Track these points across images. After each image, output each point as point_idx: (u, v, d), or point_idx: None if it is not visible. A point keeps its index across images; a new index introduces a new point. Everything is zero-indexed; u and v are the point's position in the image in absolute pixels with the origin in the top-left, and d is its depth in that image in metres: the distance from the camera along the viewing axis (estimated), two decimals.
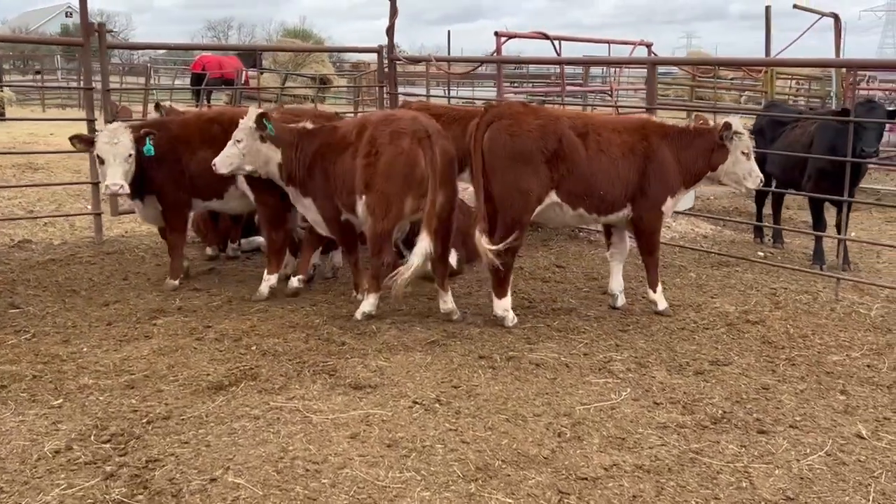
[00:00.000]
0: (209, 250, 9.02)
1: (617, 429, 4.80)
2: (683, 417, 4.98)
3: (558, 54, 11.44)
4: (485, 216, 6.62)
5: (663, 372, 5.74)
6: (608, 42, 12.70)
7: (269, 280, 7.51)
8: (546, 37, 11.37)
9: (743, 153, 6.80)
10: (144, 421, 4.82)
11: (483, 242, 6.59)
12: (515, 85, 34.96)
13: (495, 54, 11.17)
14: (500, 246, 6.36)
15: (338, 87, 32.28)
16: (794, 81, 27.98)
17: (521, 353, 6.03)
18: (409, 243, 7.43)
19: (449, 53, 27.37)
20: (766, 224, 10.49)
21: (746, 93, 26.96)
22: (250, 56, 28.92)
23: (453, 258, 8.30)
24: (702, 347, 6.28)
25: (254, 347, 6.12)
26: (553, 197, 6.59)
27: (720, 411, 5.07)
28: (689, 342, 6.40)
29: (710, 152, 6.84)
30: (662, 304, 7.14)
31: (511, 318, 6.68)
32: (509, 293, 6.73)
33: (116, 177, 7.12)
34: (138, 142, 7.24)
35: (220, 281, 8.13)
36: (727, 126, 6.74)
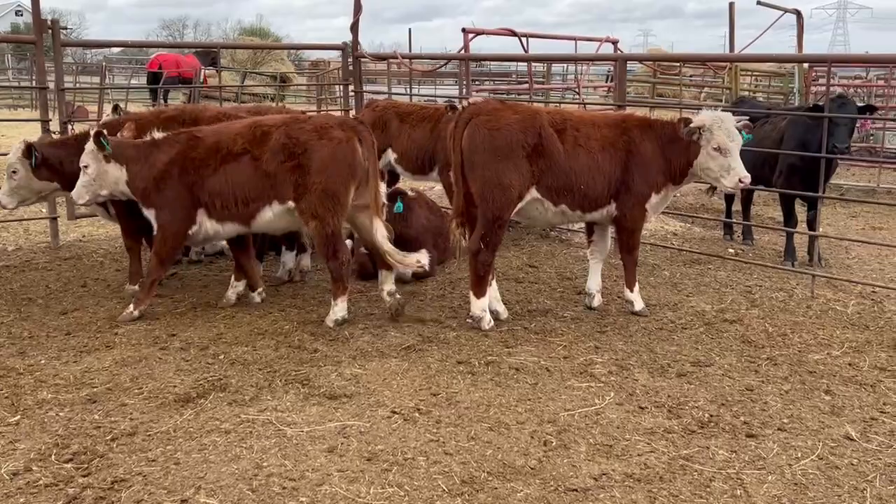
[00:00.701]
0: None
1: (603, 435, 4.65)
2: (670, 422, 4.84)
3: (525, 51, 11.30)
4: (462, 211, 6.46)
5: (645, 374, 5.61)
6: (574, 39, 12.62)
7: (237, 286, 7.25)
8: (513, 33, 11.22)
9: (715, 149, 6.51)
10: (108, 438, 4.56)
11: (457, 232, 6.46)
12: (477, 83, 34.85)
13: (462, 51, 11.00)
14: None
15: (298, 85, 31.89)
16: (752, 78, 28.21)
17: (499, 357, 5.86)
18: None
19: (410, 51, 27.12)
20: (736, 221, 10.45)
21: (705, 89, 27.08)
22: (208, 54, 28.43)
23: (424, 259, 8.14)
24: (682, 348, 6.16)
25: (221, 356, 5.87)
26: (534, 193, 6.44)
27: (707, 415, 4.94)
28: (668, 343, 6.28)
29: (687, 147, 6.69)
30: (639, 304, 7.02)
31: (488, 319, 6.52)
32: (488, 294, 6.56)
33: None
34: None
35: (183, 286, 7.85)
36: (684, 122, 6.55)
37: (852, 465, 4.37)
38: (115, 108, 8.68)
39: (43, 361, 5.76)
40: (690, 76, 30.10)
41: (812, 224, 9.10)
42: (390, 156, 9.78)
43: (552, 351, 6.04)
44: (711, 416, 4.93)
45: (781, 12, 14.49)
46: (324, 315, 6.84)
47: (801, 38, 14.64)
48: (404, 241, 8.08)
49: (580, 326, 6.65)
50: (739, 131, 6.54)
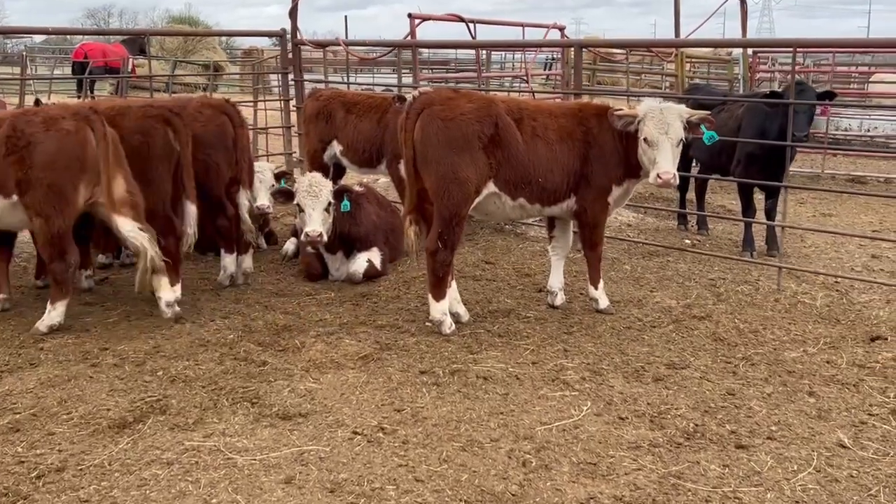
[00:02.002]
0: (101, 258, 8.09)
1: (586, 452, 4.29)
2: (654, 434, 4.51)
3: (473, 37, 10.90)
4: (414, 208, 6.05)
5: (620, 380, 5.28)
6: (522, 25, 12.27)
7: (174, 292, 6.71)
8: (461, 19, 10.80)
9: (644, 140, 6.10)
10: (33, 475, 4.03)
11: (412, 233, 6.04)
12: (408, 71, 34.33)
13: (409, 38, 10.54)
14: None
15: (230, 74, 30.94)
16: (689, 65, 28.27)
17: (464, 365, 5.46)
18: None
19: (346, 38, 26.47)
20: (690, 211, 10.23)
21: (642, 76, 26.99)
22: (135, 43, 27.35)
23: (376, 258, 7.71)
24: (654, 349, 5.85)
25: (160, 373, 5.35)
26: (491, 187, 6.05)
27: (691, 424, 4.62)
28: (639, 343, 5.97)
29: (633, 138, 6.30)
30: (604, 302, 6.70)
31: (449, 323, 6.12)
32: (448, 295, 6.16)
33: None
34: None
35: (115, 293, 7.26)
36: (609, 113, 6.18)
37: (852, 476, 4.09)
38: (37, 102, 8.02)
39: None
40: (629, 63, 30.11)
41: (771, 213, 8.92)
42: (336, 148, 9.29)
43: (519, 356, 5.66)
44: (696, 425, 4.61)
45: None
46: (270, 321, 6.37)
47: (744, 25, 14.54)
48: (353, 240, 7.66)
49: (545, 328, 6.29)
50: (697, 126, 6.18)
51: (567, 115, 6.33)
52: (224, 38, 38.49)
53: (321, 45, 11.65)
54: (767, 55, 18.09)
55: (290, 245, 8.53)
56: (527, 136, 6.06)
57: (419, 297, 7.08)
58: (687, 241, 9.47)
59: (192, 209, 6.77)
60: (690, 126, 6.10)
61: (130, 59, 23.95)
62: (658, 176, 5.94)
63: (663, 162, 5.96)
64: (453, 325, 6.14)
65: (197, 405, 4.85)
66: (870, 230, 10.38)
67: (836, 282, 7.71)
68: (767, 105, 8.54)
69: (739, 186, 9.01)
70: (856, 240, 9.52)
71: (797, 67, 20.83)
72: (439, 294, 6.08)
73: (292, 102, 11.29)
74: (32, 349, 5.81)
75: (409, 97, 8.37)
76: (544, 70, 37.46)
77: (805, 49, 15.35)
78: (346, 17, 32.55)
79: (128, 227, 6.08)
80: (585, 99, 8.10)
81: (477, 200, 6.04)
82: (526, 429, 4.55)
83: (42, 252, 6.44)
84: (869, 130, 17.07)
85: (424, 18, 10.49)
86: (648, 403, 4.90)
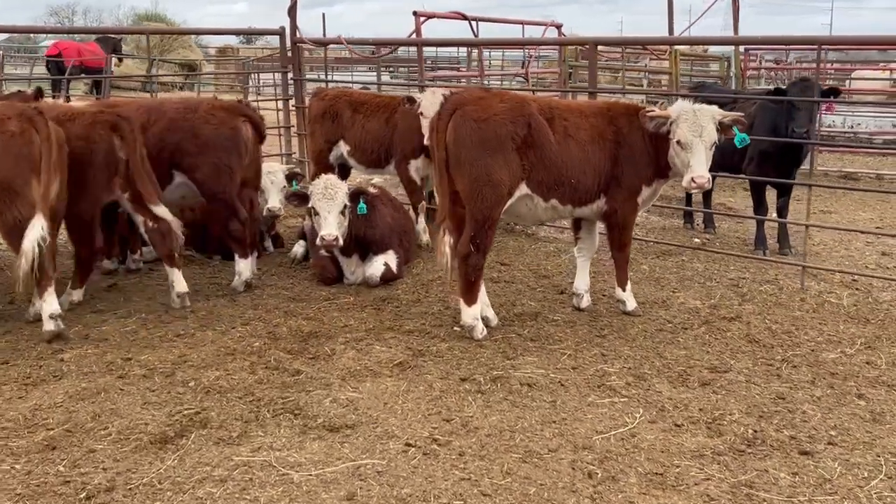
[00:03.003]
0: (107, 263, 7.85)
1: (650, 462, 4.19)
2: (714, 441, 4.42)
3: (475, 35, 10.77)
4: (449, 214, 5.90)
5: (666, 384, 5.19)
6: (522, 23, 12.18)
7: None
8: (464, 17, 10.68)
9: (677, 143, 5.99)
10: (83, 496, 3.85)
11: (446, 242, 5.89)
12: (391, 70, 34.02)
13: (414, 35, 10.38)
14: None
15: (227, 73, 30.47)
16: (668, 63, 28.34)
17: (504, 371, 5.33)
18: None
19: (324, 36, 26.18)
20: (697, 209, 10.19)
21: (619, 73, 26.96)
22: (109, 41, 26.87)
23: (392, 260, 7.55)
24: (691, 352, 5.77)
25: (192, 383, 5.17)
26: (524, 188, 5.92)
27: (749, 430, 4.54)
28: (675, 346, 5.88)
29: (665, 139, 6.23)
30: (632, 304, 6.61)
31: (480, 328, 5.99)
32: (479, 300, 6.03)
33: None
34: None
35: (125, 300, 7.04)
36: (642, 115, 6.06)
37: None
38: (39, 91, 7.80)
39: None
40: (606, 61, 30.15)
41: (783, 211, 8.90)
42: (342, 148, 9.14)
43: (558, 361, 5.55)
44: (755, 431, 4.53)
45: None
46: (294, 327, 6.21)
47: (736, 20, 14.57)
48: (369, 243, 7.51)
49: (577, 331, 6.19)
50: (730, 127, 6.11)
51: (597, 114, 6.22)
52: (196, 37, 37.71)
53: (322, 43, 11.45)
54: (756, 53, 18.13)
55: (298, 248, 8.36)
56: (559, 136, 5.94)
57: (440, 300, 6.95)
58: (696, 240, 9.42)
59: (160, 211, 6.56)
60: (723, 128, 6.01)
61: (112, 59, 23.40)
62: (692, 180, 5.86)
63: (697, 166, 5.87)
64: (485, 330, 6.01)
65: (238, 417, 4.68)
66: (873, 227, 10.39)
67: (854, 280, 7.70)
68: (774, 102, 8.50)
69: (752, 184, 8.97)
70: (861, 237, 9.51)
71: (780, 63, 20.87)
72: (471, 299, 5.95)
73: (291, 102, 11.07)
74: (53, 360, 5.59)
75: (418, 98, 8.33)
76: (522, 68, 37.48)
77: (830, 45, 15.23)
78: (323, 14, 32.08)
79: (35, 229, 5.79)
80: (580, 97, 8.03)
81: (509, 202, 5.91)
82: (583, 438, 4.44)
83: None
84: (853, 127, 17.21)
85: (429, 16, 10.35)
86: (700, 409, 4.81)
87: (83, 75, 24.42)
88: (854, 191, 12.42)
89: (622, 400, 4.93)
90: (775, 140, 8.18)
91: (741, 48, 14.98)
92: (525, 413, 4.74)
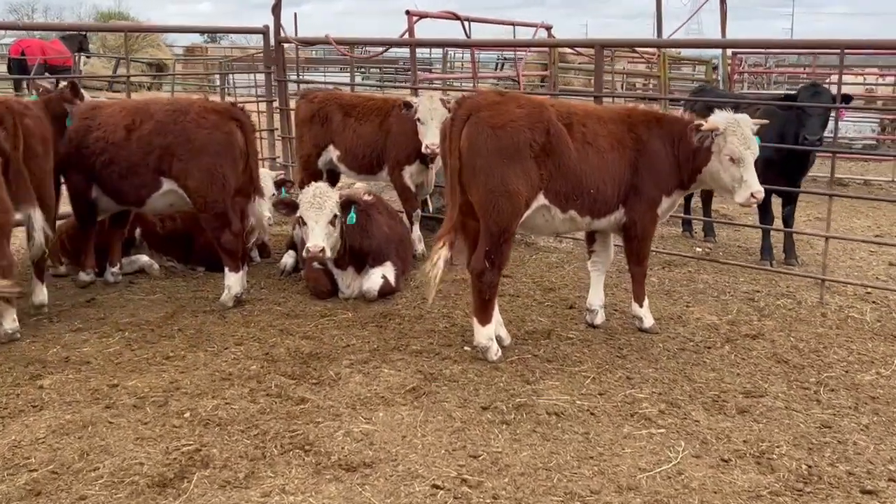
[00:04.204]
0: (83, 275, 7.32)
1: None
2: (767, 478, 4.07)
3: (468, 36, 10.39)
4: (454, 226, 5.49)
5: (702, 412, 4.83)
6: (513, 24, 11.83)
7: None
8: (456, 17, 10.29)
9: (730, 159, 5.74)
10: None
11: (442, 255, 5.44)
12: (362, 72, 33.43)
13: (406, 35, 9.96)
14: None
15: (208, 74, 29.76)
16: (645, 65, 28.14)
17: (528, 398, 4.94)
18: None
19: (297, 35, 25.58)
20: (697, 217, 9.90)
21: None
22: (74, 39, 26.10)
23: (390, 273, 7.14)
24: (720, 374, 5.43)
25: (187, 414, 4.72)
26: (541, 199, 5.54)
27: (802, 465, 4.19)
28: (702, 367, 5.54)
29: (697, 150, 5.95)
30: (649, 321, 6.26)
31: (495, 349, 5.59)
32: (494, 320, 5.63)
33: None
34: None
35: (105, 315, 6.55)
36: (695, 126, 5.80)
37: None
38: (73, 87, 7.33)
39: None
40: (579, 63, 29.90)
41: (788, 220, 8.63)
42: (332, 153, 8.71)
43: (582, 386, 5.17)
44: (808, 466, 4.18)
45: None
46: (293, 348, 5.78)
47: (724, 23, 14.32)
48: (365, 255, 7.09)
49: (595, 351, 5.82)
50: (756, 135, 5.85)
51: (616, 120, 5.87)
52: (162, 36, 36.68)
53: (308, 42, 10.98)
54: (741, 56, 17.96)
55: (287, 259, 7.90)
56: (578, 143, 5.57)
57: (445, 316, 6.56)
58: (698, 249, 9.13)
59: (37, 215, 6.05)
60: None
61: (81, 57, 22.64)
62: (752, 196, 5.64)
63: (753, 181, 5.64)
64: (500, 351, 5.62)
65: (243, 455, 4.24)
66: (871, 235, 10.18)
67: (868, 292, 7.43)
68: (780, 108, 8.22)
69: None
70: (864, 246, 9.28)
71: (753, 68, 20.71)
72: (485, 318, 5.55)
73: (274, 103, 10.59)
74: (30, 387, 5.10)
75: (414, 103, 7.92)
76: (496, 70, 37.10)
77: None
78: (295, 14, 31.41)
79: None
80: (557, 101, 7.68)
81: (526, 214, 5.52)
82: (626, 477, 4.06)
83: None
84: (832, 132, 17.04)
85: (422, 16, 9.94)
86: (744, 441, 4.46)
87: (47, 74, 23.62)
88: (873, 199, 12.16)
89: (659, 431, 4.56)
90: (790, 148, 7.89)
91: (728, 52, 14.73)
92: (558, 447, 4.35)
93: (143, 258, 7.74)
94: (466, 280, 7.35)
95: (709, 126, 5.69)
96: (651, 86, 20.57)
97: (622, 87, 23.13)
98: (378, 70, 34.90)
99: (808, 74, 24.91)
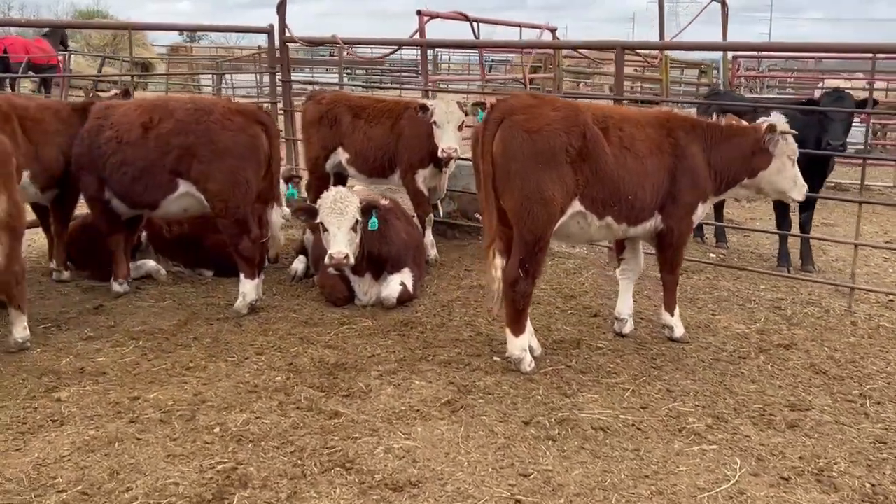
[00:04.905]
0: (116, 286, 7.00)
1: None
2: (831, 498, 3.93)
3: (476, 37, 10.23)
4: (499, 235, 5.32)
5: (750, 426, 4.68)
6: (520, 25, 11.68)
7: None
8: (466, 18, 10.12)
9: (789, 158, 5.91)
10: None
11: (498, 265, 5.30)
12: (348, 72, 33.16)
13: (417, 35, 9.77)
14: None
15: (205, 73, 29.34)
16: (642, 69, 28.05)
17: (570, 412, 4.77)
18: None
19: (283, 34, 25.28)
20: (709, 222, 9.76)
21: (592, 77, 26.50)
22: (56, 35, 25.65)
23: (408, 279, 6.95)
24: (761, 385, 5.29)
25: (217, 430, 4.51)
26: (577, 205, 5.37)
27: (865, 484, 4.06)
28: (740, 379, 5.40)
29: (750, 155, 5.89)
30: (680, 330, 6.11)
31: (528, 360, 5.42)
32: (527, 330, 5.46)
33: None
34: None
35: (116, 323, 6.31)
36: (771, 128, 5.81)
37: None
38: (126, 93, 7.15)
39: None
40: (567, 65, 29.76)
41: (805, 226, 8.54)
42: (341, 155, 8.50)
43: (622, 399, 5.01)
44: (871, 485, 4.05)
45: (708, 1, 14.07)
46: (317, 357, 5.58)
47: (725, 28, 14.27)
48: (383, 261, 6.90)
49: (628, 361, 5.66)
50: None
51: (653, 124, 5.73)
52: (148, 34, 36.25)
53: (315, 42, 10.77)
54: (739, 60, 17.91)
55: (298, 264, 7.69)
56: (615, 147, 5.41)
57: (468, 324, 6.39)
58: (711, 255, 9.01)
59: None
60: None
61: (71, 57, 22.20)
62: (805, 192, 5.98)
63: (801, 178, 5.93)
64: (533, 363, 5.44)
65: (282, 473, 4.04)
66: (882, 241, 10.12)
67: (891, 300, 7.33)
68: (801, 112, 8.12)
69: (773, 200, 8.55)
70: (878, 253, 9.21)
71: (746, 72, 20.70)
72: (519, 329, 5.38)
73: (279, 104, 10.37)
74: (47, 400, 4.87)
75: (430, 106, 7.73)
76: (488, 72, 36.90)
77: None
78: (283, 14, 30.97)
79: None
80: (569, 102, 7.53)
81: (560, 221, 5.35)
82: (686, 497, 3.90)
83: None
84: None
85: (433, 16, 9.76)
86: (800, 457, 4.32)
87: (31, 73, 23.19)
88: None
89: (711, 447, 4.41)
90: (813, 153, 7.78)
91: (730, 55, 14.67)
92: (610, 465, 4.19)
93: (150, 263, 7.50)
94: (485, 288, 7.25)
95: (782, 128, 5.72)
96: (640, 89, 20.49)
97: (608, 90, 23.02)
98: (364, 71, 34.64)
99: (793, 79, 25.12)
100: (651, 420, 4.72)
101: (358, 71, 33.81)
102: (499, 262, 5.28)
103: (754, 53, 19.61)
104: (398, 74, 33.49)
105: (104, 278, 7.14)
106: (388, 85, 23.87)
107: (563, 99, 5.71)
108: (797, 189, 5.98)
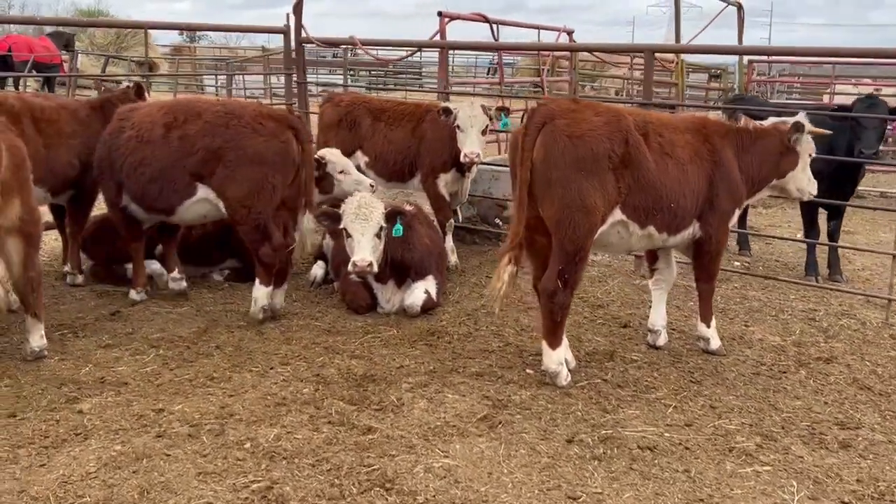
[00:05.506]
0: (134, 294, 6.81)
1: None
2: None
3: (495, 39, 10.06)
4: (521, 243, 5.13)
5: (801, 446, 4.50)
6: (538, 28, 11.52)
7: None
8: (486, 19, 9.96)
9: (809, 156, 5.88)
10: None
11: (508, 270, 5.09)
12: (351, 74, 32.94)
13: (438, 37, 9.60)
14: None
15: (218, 74, 29.14)
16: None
17: (613, 430, 4.59)
18: None
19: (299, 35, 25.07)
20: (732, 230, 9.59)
21: (599, 80, 26.29)
22: (62, 37, 25.47)
23: (432, 287, 6.77)
24: (806, 402, 5.11)
25: (248, 445, 4.33)
26: (618, 214, 5.19)
27: None
28: (783, 394, 5.22)
29: (778, 157, 5.76)
30: (716, 342, 5.94)
31: (565, 374, 5.24)
32: (564, 343, 5.28)
33: None
34: None
35: (133, 330, 6.13)
36: (798, 127, 5.68)
37: None
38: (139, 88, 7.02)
39: None
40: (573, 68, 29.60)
41: (834, 235, 8.37)
42: (360, 159, 8.32)
43: (665, 416, 4.83)
44: None
45: (725, 5, 13.92)
46: (344, 368, 5.40)
47: (741, 31, 14.12)
48: (407, 268, 6.72)
49: (665, 375, 5.49)
50: None
51: (691, 130, 5.57)
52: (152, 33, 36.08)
53: (332, 43, 10.58)
54: (755, 65, 17.76)
55: (317, 269, 7.52)
56: (655, 154, 5.24)
57: (496, 334, 6.22)
58: (736, 263, 8.82)
59: None
60: None
61: (78, 56, 21.99)
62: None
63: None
64: (569, 376, 5.26)
65: (319, 494, 3.86)
66: None
67: None
68: (831, 118, 7.95)
69: (802, 207, 8.38)
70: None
71: (758, 77, 20.55)
72: (555, 341, 5.19)
73: (294, 106, 10.18)
74: (68, 412, 4.69)
75: (454, 109, 7.56)
76: (487, 76, 36.77)
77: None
78: (287, 14, 30.73)
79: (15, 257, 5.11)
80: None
81: (600, 230, 5.17)
82: None
83: None
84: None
85: (453, 17, 9.59)
86: (858, 480, 4.14)
87: (34, 72, 22.99)
88: None
89: (765, 469, 4.23)
90: (843, 160, 7.64)
91: (745, 60, 14.52)
92: (662, 488, 4.00)
93: (154, 265, 7.27)
94: (509, 296, 7.07)
95: (810, 127, 5.70)
96: (636, 92, 20.30)
97: (615, 94, 22.85)
98: (367, 73, 34.48)
99: (801, 84, 24.97)
100: (698, 438, 4.54)
101: (361, 73, 33.66)
102: (510, 267, 5.07)
103: (765, 57, 19.47)
104: (402, 76, 33.40)
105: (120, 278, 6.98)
106: (404, 87, 23.74)
107: (603, 104, 5.52)
108: (813, 185, 5.96)
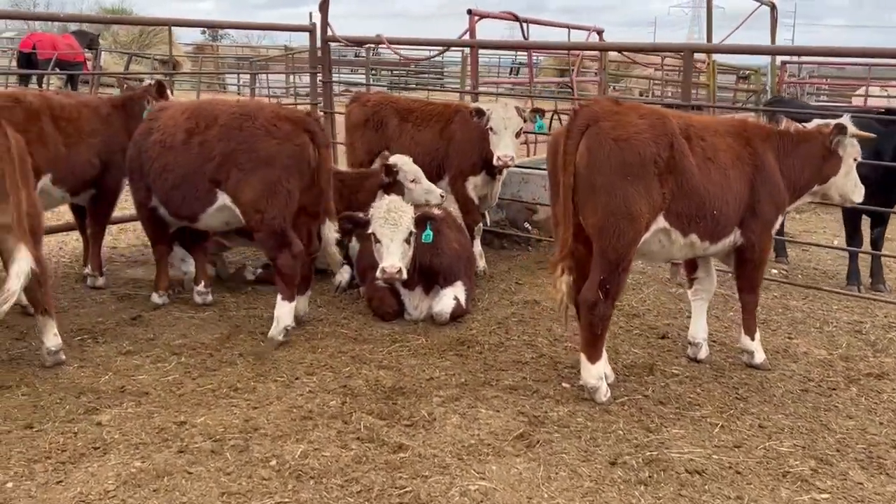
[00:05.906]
0: (156, 297, 6.65)
1: None
2: None
3: (525, 37, 9.82)
4: (571, 251, 4.88)
5: (859, 472, 4.23)
6: (568, 27, 11.28)
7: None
8: (516, 18, 9.73)
9: (854, 160, 5.63)
10: None
11: (564, 280, 4.86)
12: (373, 73, 32.75)
13: (468, 36, 9.37)
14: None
15: (240, 72, 29.11)
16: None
17: (658, 451, 4.34)
18: None
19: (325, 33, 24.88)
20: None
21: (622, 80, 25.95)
22: (86, 36, 25.49)
23: (461, 294, 6.53)
24: (860, 422, 4.84)
25: (273, 462, 4.11)
26: (661, 222, 4.94)
27: None
28: (835, 413, 4.95)
29: (821, 161, 5.51)
30: (760, 356, 5.67)
31: (605, 389, 4.99)
32: (603, 356, 5.03)
33: None
34: None
35: (154, 336, 5.95)
36: (840, 129, 5.41)
37: None
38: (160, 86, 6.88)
39: (10, 486, 3.84)
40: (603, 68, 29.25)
41: (878, 243, 8.07)
42: None
43: (712, 436, 4.57)
44: None
45: (758, 4, 13.61)
46: (372, 379, 5.18)
47: (774, 32, 13.80)
48: (436, 273, 6.50)
49: (709, 391, 5.22)
50: None
51: (732, 133, 5.32)
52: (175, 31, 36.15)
53: (359, 42, 10.38)
54: (787, 66, 17.45)
55: (344, 274, 7.29)
56: (698, 158, 4.99)
57: (528, 344, 5.98)
58: (773, 271, 8.52)
59: None
60: None
61: (101, 54, 21.96)
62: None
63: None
64: (609, 392, 5.01)
65: None
66: None
67: None
68: (879, 122, 7.66)
69: (845, 213, 8.09)
70: None
71: (789, 78, 20.17)
72: (595, 355, 4.94)
73: (319, 105, 9.98)
74: (87, 423, 4.50)
75: (486, 110, 7.32)
76: (510, 76, 36.48)
77: None
78: (310, 13, 30.52)
79: (24, 262, 4.88)
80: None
81: (643, 238, 4.92)
82: None
83: None
84: None
85: (483, 16, 9.36)
86: None
87: (57, 70, 22.97)
88: None
89: (823, 496, 3.97)
90: (890, 166, 7.34)
91: (778, 61, 14.20)
92: None
93: (191, 266, 7.06)
94: (541, 304, 6.84)
95: (853, 130, 5.44)
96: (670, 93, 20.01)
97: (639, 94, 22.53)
98: (389, 72, 34.30)
99: (828, 86, 24.58)
100: (749, 462, 4.28)
101: (383, 72, 33.49)
102: (566, 277, 4.84)
103: (796, 58, 19.15)
104: (424, 76, 33.18)
105: None
106: (426, 87, 23.55)
107: (646, 105, 5.27)
108: (858, 191, 5.71)
